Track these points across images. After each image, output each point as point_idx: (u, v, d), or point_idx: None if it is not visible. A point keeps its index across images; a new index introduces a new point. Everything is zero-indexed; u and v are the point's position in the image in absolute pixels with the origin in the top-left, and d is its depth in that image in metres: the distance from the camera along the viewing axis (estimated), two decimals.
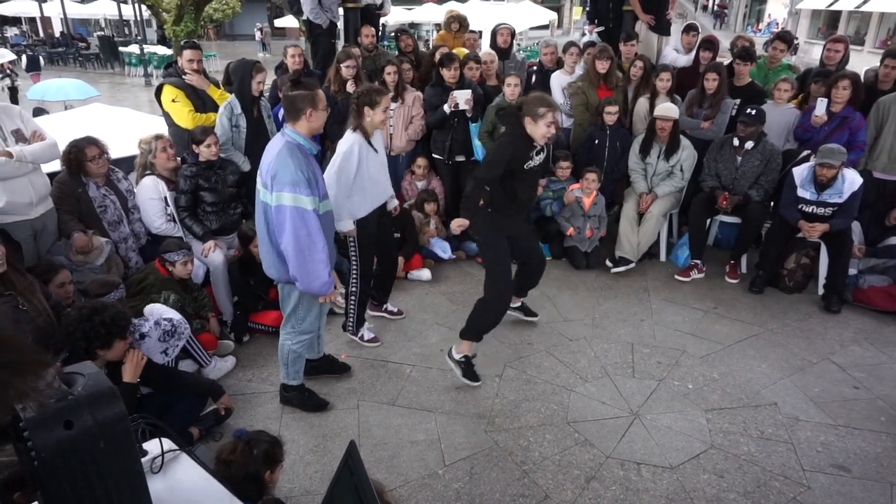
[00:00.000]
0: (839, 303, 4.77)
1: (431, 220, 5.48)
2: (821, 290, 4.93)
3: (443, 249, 5.43)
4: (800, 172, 4.78)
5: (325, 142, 5.44)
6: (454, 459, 3.22)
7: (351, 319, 4.11)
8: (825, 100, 4.96)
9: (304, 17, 6.79)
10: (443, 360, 3.93)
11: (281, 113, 5.02)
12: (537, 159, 3.69)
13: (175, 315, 3.45)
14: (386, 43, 18.21)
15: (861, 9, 24.76)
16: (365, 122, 3.60)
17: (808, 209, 4.76)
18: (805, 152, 5.08)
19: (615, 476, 3.12)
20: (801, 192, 4.76)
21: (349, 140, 3.63)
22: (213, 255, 4.22)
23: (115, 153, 4.31)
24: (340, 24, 7.21)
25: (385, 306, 4.58)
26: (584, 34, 8.58)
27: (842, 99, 4.91)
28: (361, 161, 3.63)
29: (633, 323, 4.57)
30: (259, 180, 3.05)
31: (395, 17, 20.00)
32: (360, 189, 3.70)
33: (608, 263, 5.35)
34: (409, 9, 23.06)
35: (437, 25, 15.36)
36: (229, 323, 4.30)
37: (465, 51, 6.20)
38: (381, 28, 10.53)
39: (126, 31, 31.30)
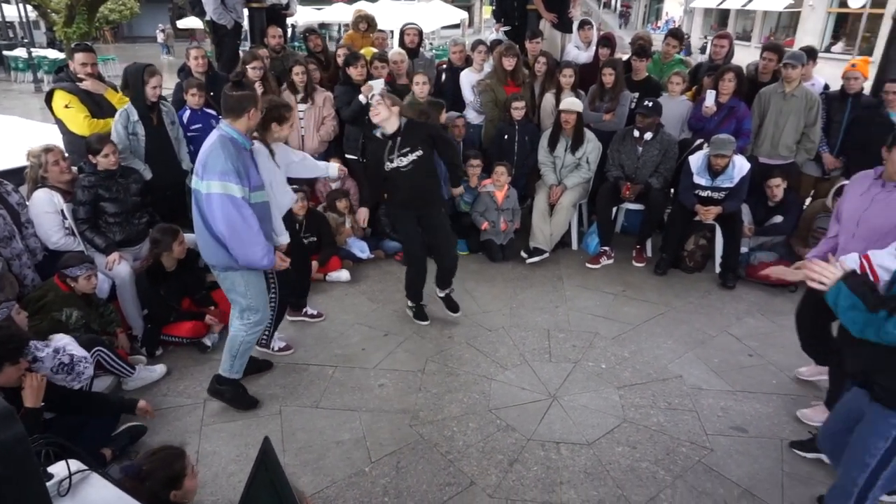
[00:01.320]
0: (734, 279, 5.15)
1: (346, 219, 5.46)
2: (718, 269, 5.30)
3: (360, 249, 5.43)
4: (695, 160, 5.11)
5: None
6: (380, 456, 3.24)
7: (267, 331, 4.00)
8: (713, 91, 5.33)
9: (208, 18, 6.59)
10: (365, 360, 4.02)
11: (186, 116, 4.91)
12: (402, 160, 3.89)
13: (80, 353, 3.26)
14: (296, 44, 17.89)
15: (746, 7, 26.58)
16: (271, 136, 3.56)
17: (704, 194, 5.10)
18: (699, 141, 5.43)
19: (536, 457, 3.25)
20: (696, 179, 5.08)
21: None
22: (119, 267, 4.04)
23: (2, 164, 4.04)
24: (246, 25, 7.04)
25: (304, 310, 4.54)
26: (492, 32, 8.78)
27: (728, 90, 5.29)
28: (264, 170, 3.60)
29: (549, 310, 4.75)
30: (194, 171, 3.17)
31: (304, 17, 19.65)
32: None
33: (523, 254, 5.52)
34: (319, 9, 22.70)
35: (348, 25, 15.23)
36: (140, 337, 4.13)
37: (374, 50, 6.21)
38: (289, 29, 10.34)
39: (11, 34, 29.11)
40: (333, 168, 4.13)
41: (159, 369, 3.87)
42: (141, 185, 4.29)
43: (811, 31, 22.55)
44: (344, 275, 5.14)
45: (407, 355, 4.13)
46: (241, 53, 6.31)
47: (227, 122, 3.13)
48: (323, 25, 21.60)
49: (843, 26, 22.92)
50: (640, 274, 5.39)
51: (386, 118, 3.92)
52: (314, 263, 4.96)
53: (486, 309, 4.75)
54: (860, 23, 21.33)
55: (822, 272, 2.02)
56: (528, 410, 3.61)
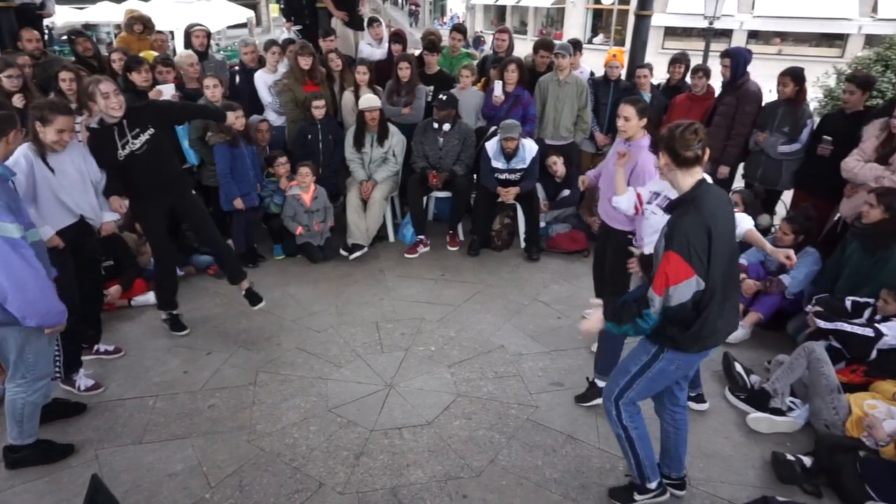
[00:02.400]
0: (538, 251, 5.67)
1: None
2: (522, 244, 5.79)
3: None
4: (491, 146, 5.51)
5: None
6: (220, 479, 3.09)
7: (58, 364, 3.49)
8: (500, 82, 5.78)
9: None
10: (190, 383, 3.79)
11: None
12: (136, 143, 3.76)
13: None
14: (57, 48, 15.84)
15: (520, 4, 28.93)
16: (39, 138, 3.17)
17: (503, 177, 5.53)
18: (493, 128, 5.86)
19: (381, 446, 3.32)
20: (494, 163, 5.49)
21: (17, 151, 3.18)
22: None
23: None
24: None
25: (97, 347, 4.04)
26: (283, 31, 8.59)
27: (512, 80, 5.76)
28: (30, 176, 3.23)
29: (375, 303, 4.84)
30: None
31: (63, 17, 17.43)
32: (40, 209, 3.31)
33: (343, 252, 5.54)
34: (81, 8, 20.25)
35: (119, 26, 13.82)
36: None
37: (154, 53, 5.77)
38: (45, 31, 9.15)
39: None
40: (108, 217, 3.85)
41: None
42: None
43: (575, 25, 25.26)
44: (152, 297, 4.72)
45: (235, 370, 3.95)
46: None
47: None
48: (88, 27, 19.33)
49: (600, 21, 26.01)
50: (455, 257, 5.70)
51: None
52: (115, 288, 4.52)
53: (313, 311, 4.70)
54: (612, 17, 24.39)
55: (590, 327, 2.73)
56: (367, 403, 3.67)
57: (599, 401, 3.39)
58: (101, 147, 3.69)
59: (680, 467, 3.01)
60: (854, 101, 4.73)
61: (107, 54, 5.83)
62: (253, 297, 4.36)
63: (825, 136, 4.80)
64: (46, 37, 8.56)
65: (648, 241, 3.19)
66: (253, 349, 4.19)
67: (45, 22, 7.67)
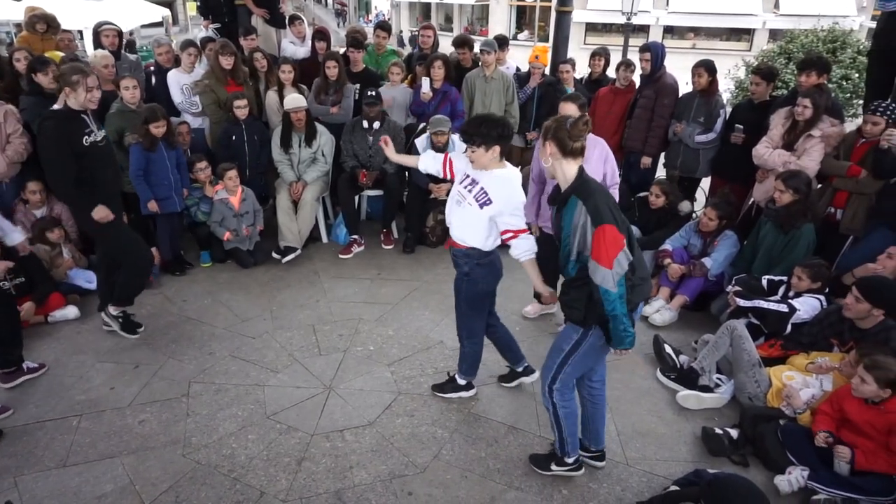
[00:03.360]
0: None
1: (63, 248, 4.75)
2: None
3: (87, 280, 4.76)
4: (421, 142, 5.51)
5: None
6: (155, 496, 2.96)
7: None
8: (428, 78, 5.78)
9: None
10: (117, 399, 3.60)
11: None
12: (98, 134, 3.76)
13: None
14: None
15: (444, 1, 29.06)
16: None
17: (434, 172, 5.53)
18: (422, 125, 5.86)
19: (323, 449, 3.27)
20: None
21: None
22: None
23: None
24: None
25: (24, 364, 3.80)
26: (201, 30, 8.29)
27: (439, 77, 5.78)
28: None
29: (310, 306, 4.75)
30: None
31: None
32: None
33: (275, 255, 5.41)
34: None
35: (19, 25, 12.96)
36: None
37: (60, 54, 5.45)
38: None
39: None
40: (17, 237, 3.77)
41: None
42: None
43: (500, 22, 25.63)
44: (71, 311, 4.47)
45: (165, 383, 3.79)
46: None
47: None
48: None
49: (524, 17, 26.47)
50: (390, 256, 5.67)
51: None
52: (29, 305, 4.25)
53: (246, 317, 4.57)
54: (535, 13, 24.87)
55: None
56: (306, 407, 3.60)
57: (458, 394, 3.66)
58: (70, 131, 3.62)
59: (599, 440, 3.18)
60: (760, 92, 5.02)
61: (7, 55, 5.44)
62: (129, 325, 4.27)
63: (737, 125, 5.06)
64: None
65: (458, 223, 3.19)
66: (184, 360, 4.03)
67: None
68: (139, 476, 3.08)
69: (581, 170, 2.59)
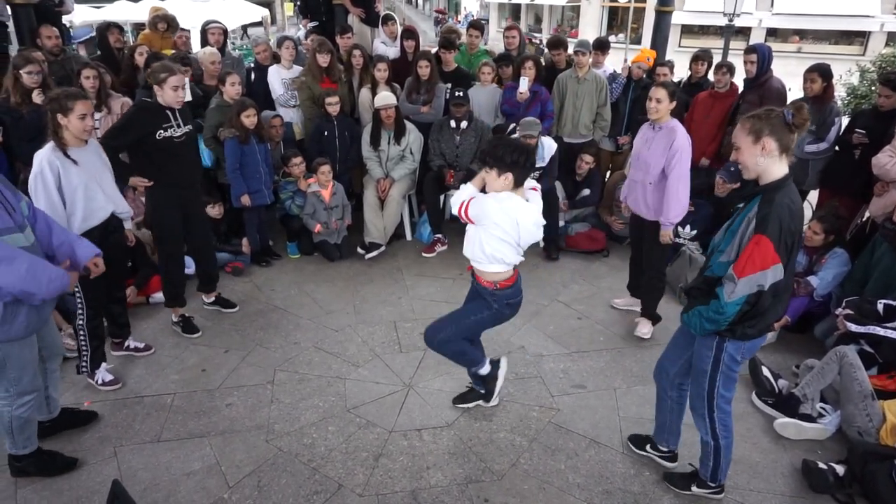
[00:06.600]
0: (557, 251, 5.59)
1: None
2: (541, 244, 5.70)
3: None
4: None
5: (17, 164, 4.61)
6: (238, 478, 3.06)
7: (84, 359, 3.58)
8: (526, 78, 5.68)
9: None
10: (208, 381, 3.77)
11: None
12: (177, 131, 3.86)
13: None
14: (73, 46, 15.95)
15: (534, 2, 28.78)
16: (62, 132, 3.16)
17: None
18: (512, 125, 5.78)
19: (401, 447, 3.27)
20: None
21: (37, 159, 3.19)
22: None
23: None
24: (12, 25, 6.12)
25: (127, 343, 4.05)
26: (299, 29, 8.57)
27: (530, 77, 5.68)
28: (62, 178, 3.20)
29: (392, 302, 4.79)
30: None
31: (81, 16, 17.54)
32: (73, 207, 3.28)
33: (360, 250, 5.50)
34: (98, 7, 20.42)
35: (137, 25, 13.90)
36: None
37: (172, 52, 5.76)
38: (66, 28, 9.18)
39: None
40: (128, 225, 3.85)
41: None
42: None
43: (591, 23, 25.09)
44: None
45: (252, 369, 3.92)
46: (10, 56, 5.47)
47: None
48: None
49: (616, 19, 25.80)
50: None
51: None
52: (131, 289, 4.51)
53: (330, 309, 4.66)
54: (629, 15, 24.16)
55: None
56: (385, 403, 3.62)
57: (473, 404, 3.52)
58: (145, 121, 3.79)
59: (677, 440, 3.09)
60: (889, 105, 4.59)
61: (127, 52, 5.82)
62: (224, 302, 4.54)
63: (857, 130, 4.67)
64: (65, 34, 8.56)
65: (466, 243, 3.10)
66: (270, 347, 4.16)
67: (64, 20, 7.68)
68: (225, 457, 3.19)
69: (788, 174, 2.40)
